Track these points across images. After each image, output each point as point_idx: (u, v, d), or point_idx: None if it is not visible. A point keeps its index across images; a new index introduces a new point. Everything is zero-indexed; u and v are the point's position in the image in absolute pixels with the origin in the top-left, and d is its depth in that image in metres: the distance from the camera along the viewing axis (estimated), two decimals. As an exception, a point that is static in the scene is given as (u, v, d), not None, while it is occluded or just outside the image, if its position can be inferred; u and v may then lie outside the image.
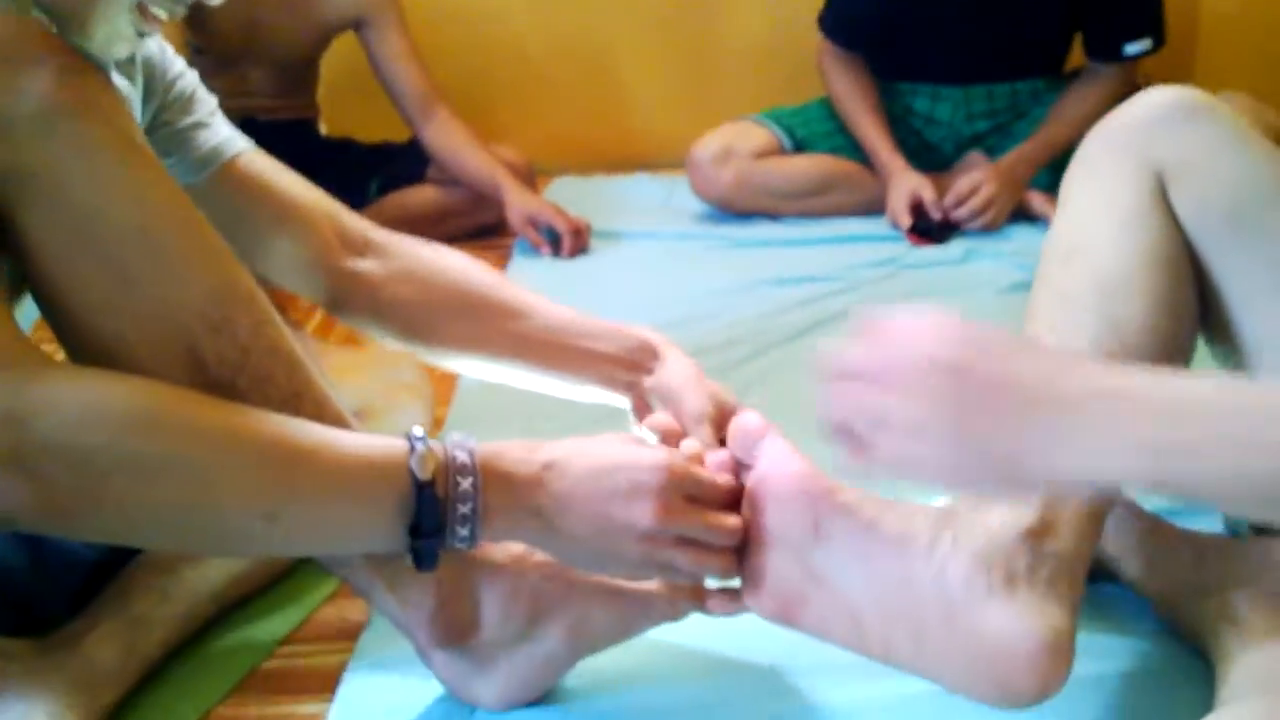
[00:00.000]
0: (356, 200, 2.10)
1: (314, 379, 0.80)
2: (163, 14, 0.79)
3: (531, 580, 0.83)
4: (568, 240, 1.96)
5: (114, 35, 0.78)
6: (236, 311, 0.76)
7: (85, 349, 0.74)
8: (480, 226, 2.11)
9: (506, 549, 0.83)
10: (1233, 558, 0.90)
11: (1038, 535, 0.74)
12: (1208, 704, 0.79)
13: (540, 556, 0.83)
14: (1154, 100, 0.86)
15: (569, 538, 0.77)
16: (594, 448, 0.80)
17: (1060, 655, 0.71)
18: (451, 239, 2.09)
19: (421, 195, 2.12)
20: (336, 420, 0.79)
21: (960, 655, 0.73)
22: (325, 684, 0.95)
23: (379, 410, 1.22)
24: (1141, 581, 0.93)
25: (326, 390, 0.81)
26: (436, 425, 1.41)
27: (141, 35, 0.80)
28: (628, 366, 1.09)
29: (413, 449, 0.74)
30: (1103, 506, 0.78)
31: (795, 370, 1.48)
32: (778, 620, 0.80)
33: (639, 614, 0.85)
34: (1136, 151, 0.84)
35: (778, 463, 0.82)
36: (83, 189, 0.71)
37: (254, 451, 0.71)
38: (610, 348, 1.09)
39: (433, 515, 0.73)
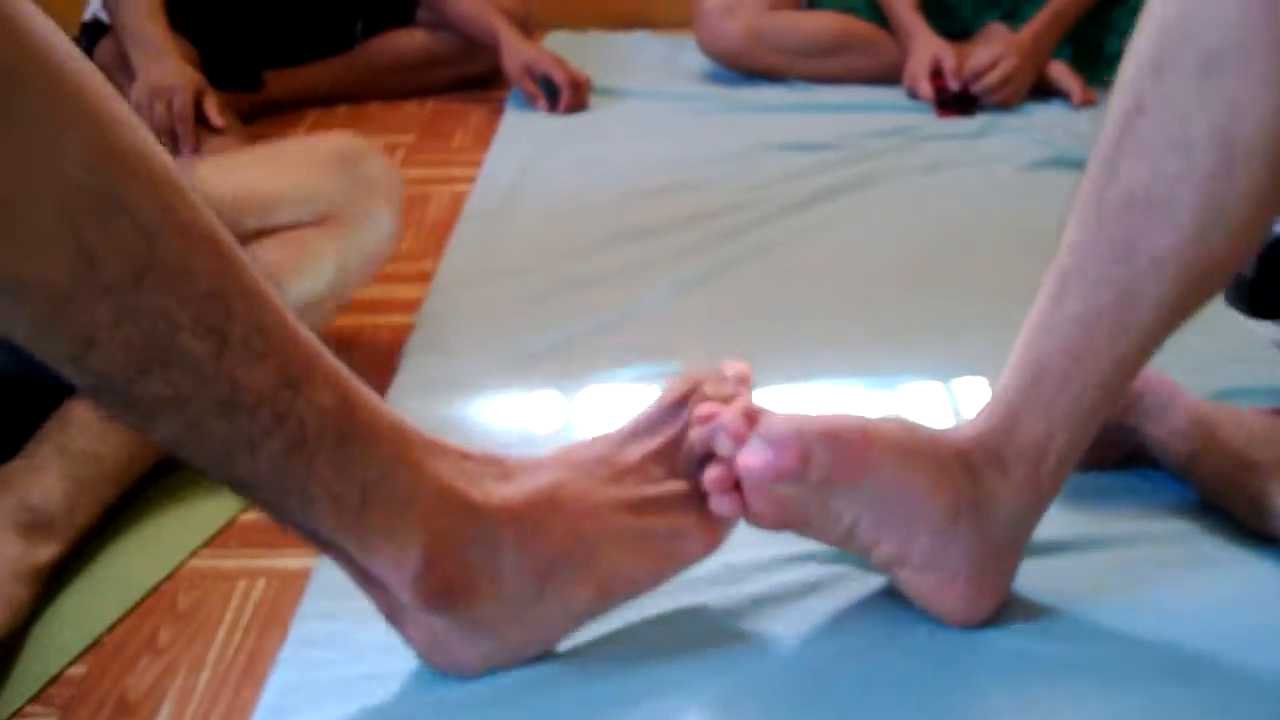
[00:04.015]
0: (341, 43, 1.99)
1: (248, 270, 0.60)
2: None
3: (552, 527, 0.69)
4: (566, 94, 1.86)
5: None
6: (131, 180, 0.54)
7: None
8: (472, 76, 2.01)
9: (517, 488, 0.70)
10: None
11: (1031, 510, 0.75)
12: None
13: (562, 495, 0.70)
14: None
15: None
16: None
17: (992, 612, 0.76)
18: (441, 88, 2.01)
19: (410, 39, 2.00)
20: (279, 326, 0.60)
21: (916, 588, 0.76)
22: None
23: (347, 218, 1.06)
24: (1188, 465, 0.88)
25: (267, 289, 0.61)
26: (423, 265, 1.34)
27: None
28: None
29: None
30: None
31: (801, 239, 1.40)
32: (772, 529, 0.74)
33: (679, 554, 0.73)
34: None
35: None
36: None
37: None
38: None
39: None
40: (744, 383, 0.76)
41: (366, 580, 0.67)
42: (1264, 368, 1.06)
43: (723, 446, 0.71)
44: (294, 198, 1.04)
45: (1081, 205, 0.72)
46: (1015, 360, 0.74)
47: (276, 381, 0.59)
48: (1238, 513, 0.86)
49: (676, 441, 0.74)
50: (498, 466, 0.71)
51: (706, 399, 0.74)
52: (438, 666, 0.71)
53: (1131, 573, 0.83)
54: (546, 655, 0.73)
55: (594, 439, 0.75)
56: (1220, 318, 1.11)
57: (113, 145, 0.54)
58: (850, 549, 0.75)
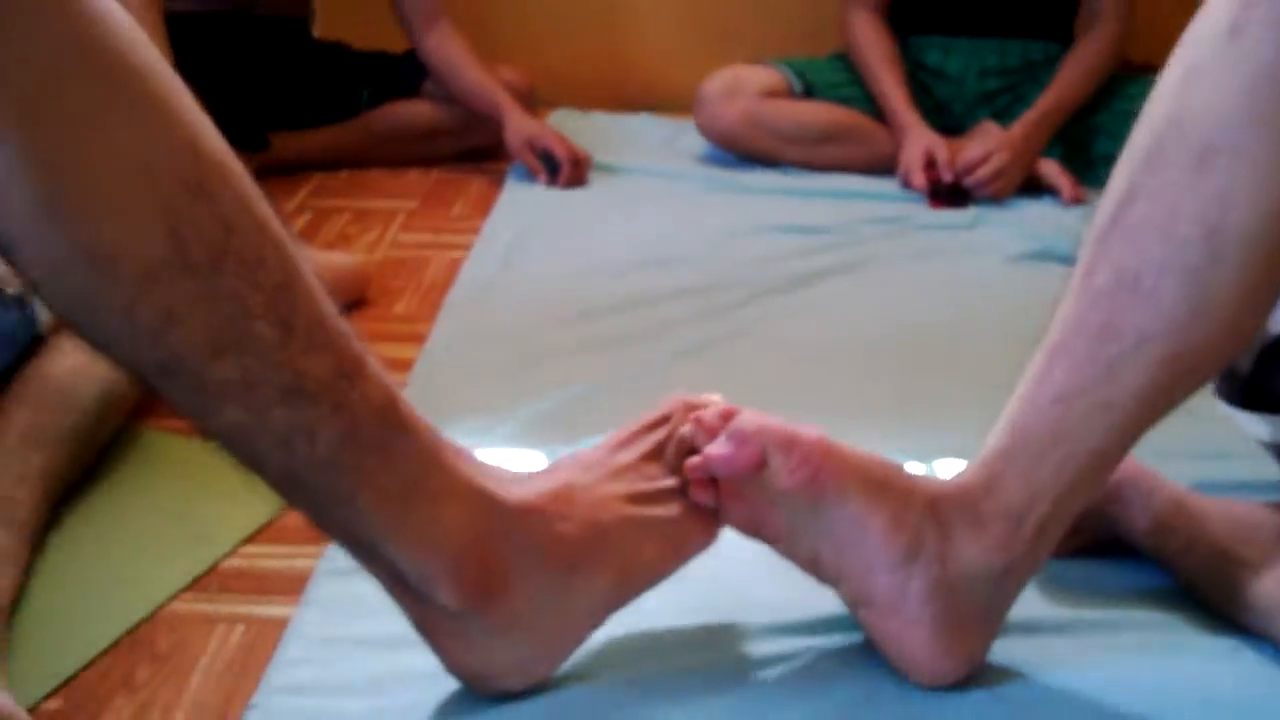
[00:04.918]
0: (348, 109, 2.03)
1: (307, 270, 0.64)
2: None
3: (570, 520, 0.73)
4: (566, 169, 1.89)
5: None
6: (216, 176, 0.60)
7: None
8: (475, 148, 2.04)
9: (533, 487, 0.74)
10: (1269, 526, 0.86)
11: (1006, 575, 0.75)
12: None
13: (574, 491, 0.74)
14: None
15: None
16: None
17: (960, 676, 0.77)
18: (444, 158, 2.05)
19: (415, 109, 2.04)
20: (334, 322, 0.65)
21: (880, 635, 0.77)
22: (292, 586, 0.90)
23: None
24: (1173, 555, 0.89)
25: (322, 290, 0.65)
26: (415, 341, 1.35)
27: None
28: None
29: None
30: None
31: (790, 319, 1.42)
32: (744, 531, 0.78)
33: (684, 542, 0.77)
34: None
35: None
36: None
37: None
38: None
39: None
40: (725, 417, 0.78)
41: (401, 588, 0.69)
42: (1247, 463, 1.07)
43: (699, 439, 0.76)
44: None
45: (1073, 284, 0.74)
46: (1000, 428, 0.76)
47: (335, 373, 0.63)
48: (1216, 604, 0.87)
49: (665, 445, 0.79)
50: (509, 473, 0.75)
51: (694, 408, 0.79)
52: (473, 681, 0.73)
53: (1111, 655, 0.83)
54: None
55: (589, 448, 0.79)
56: (1205, 410, 1.13)
57: (201, 144, 0.60)
58: (822, 579, 0.77)
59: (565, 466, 0.78)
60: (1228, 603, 0.86)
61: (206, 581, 0.92)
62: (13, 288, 1.01)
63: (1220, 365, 0.76)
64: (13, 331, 1.00)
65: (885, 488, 0.75)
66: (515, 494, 0.72)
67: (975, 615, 0.76)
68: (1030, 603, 0.86)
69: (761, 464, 0.74)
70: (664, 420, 0.80)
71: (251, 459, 0.64)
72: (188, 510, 0.99)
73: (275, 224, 0.63)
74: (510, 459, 1.09)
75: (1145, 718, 0.76)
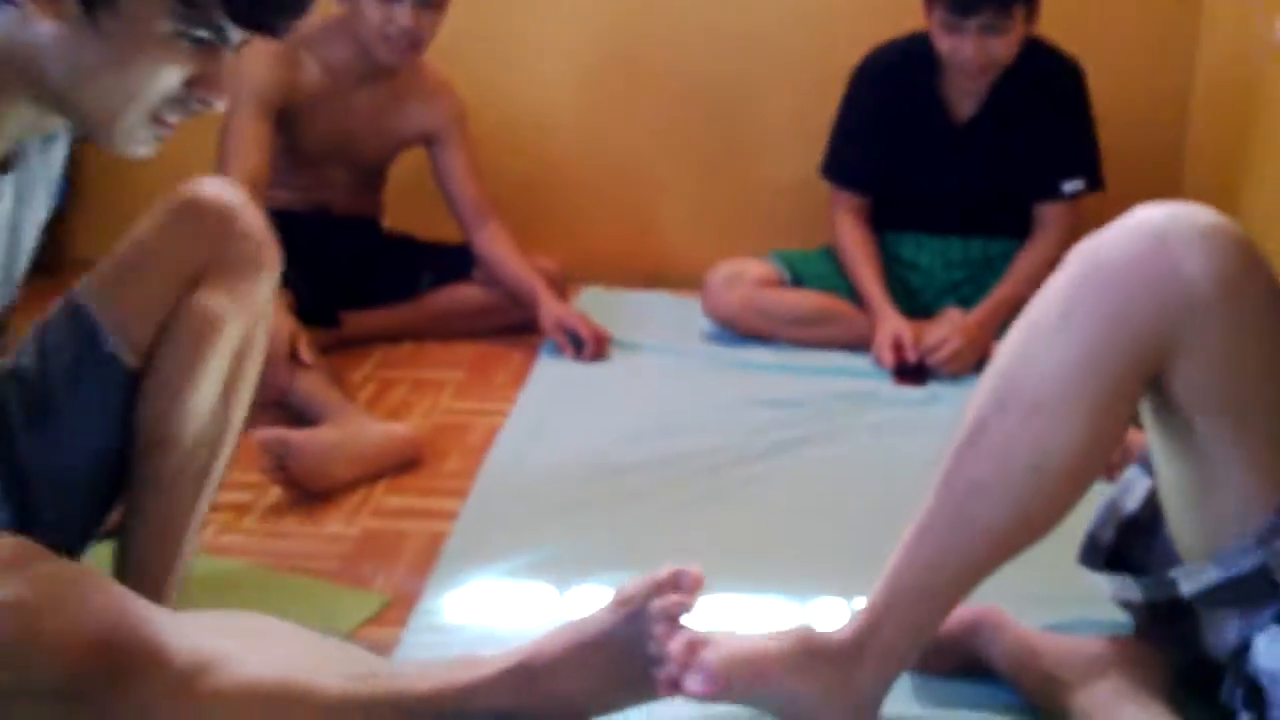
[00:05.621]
0: (409, 290, 2.40)
1: None
2: (176, 119, 1.00)
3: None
4: (590, 346, 2.24)
5: (131, 139, 1.00)
6: None
7: None
8: (515, 324, 2.39)
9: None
10: (1082, 655, 1.17)
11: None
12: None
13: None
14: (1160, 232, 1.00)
15: None
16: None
17: None
18: (488, 333, 2.41)
19: (467, 292, 2.41)
20: None
21: None
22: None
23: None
24: (1015, 678, 1.20)
25: None
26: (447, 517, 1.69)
27: (157, 138, 1.01)
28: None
29: None
30: None
31: (764, 480, 1.75)
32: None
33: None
34: (1132, 316, 0.99)
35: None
36: None
37: None
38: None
39: None
40: (698, 585, 1.07)
41: None
42: (1098, 607, 1.36)
43: (670, 669, 1.02)
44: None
45: (937, 485, 1.06)
46: (882, 585, 1.08)
47: None
48: (1049, 713, 1.17)
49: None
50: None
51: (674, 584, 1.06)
52: None
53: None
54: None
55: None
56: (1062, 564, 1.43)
57: None
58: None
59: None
60: (1058, 714, 1.16)
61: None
62: None
63: (1037, 542, 1.08)
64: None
65: (811, 661, 1.05)
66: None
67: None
68: (912, 705, 1.17)
69: (728, 689, 1.03)
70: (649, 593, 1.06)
71: None
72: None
73: None
74: (531, 591, 1.42)
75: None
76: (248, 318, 1.23)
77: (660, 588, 1.06)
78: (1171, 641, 1.16)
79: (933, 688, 1.22)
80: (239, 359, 1.23)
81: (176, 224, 1.19)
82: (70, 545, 1.17)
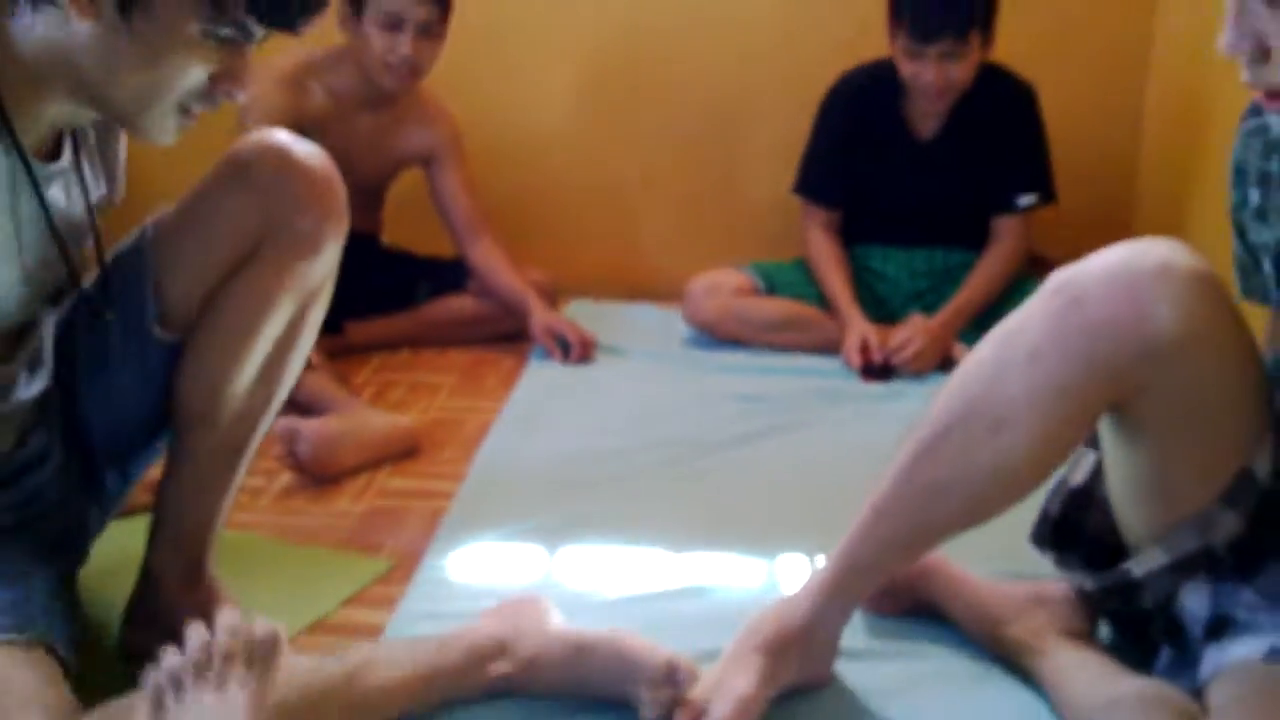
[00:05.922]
0: (407, 301, 2.55)
1: None
2: (201, 110, 1.07)
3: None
4: (576, 349, 2.39)
5: (159, 129, 1.07)
6: None
7: None
8: (508, 332, 2.53)
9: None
10: (1015, 596, 1.32)
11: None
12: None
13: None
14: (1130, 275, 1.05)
15: None
16: None
17: None
18: (481, 340, 2.55)
19: (461, 303, 2.56)
20: None
21: None
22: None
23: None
24: (964, 622, 1.35)
25: None
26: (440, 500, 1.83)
27: (182, 128, 1.07)
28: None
29: None
30: None
31: (736, 464, 1.90)
32: None
33: None
34: (1103, 361, 1.05)
35: None
36: None
37: None
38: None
39: None
40: (692, 677, 1.16)
41: None
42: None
43: None
44: None
45: (898, 472, 1.17)
46: (837, 558, 1.22)
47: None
48: (986, 647, 1.32)
49: None
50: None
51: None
52: None
53: (915, 678, 1.28)
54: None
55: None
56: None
57: None
58: None
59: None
60: (994, 645, 1.31)
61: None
62: None
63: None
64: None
65: (780, 667, 1.19)
66: None
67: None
68: (865, 639, 1.32)
69: None
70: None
71: None
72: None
73: None
74: (528, 554, 1.56)
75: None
76: (299, 297, 1.26)
77: (655, 685, 1.15)
78: (1106, 596, 1.26)
79: (885, 624, 1.36)
80: (285, 340, 1.28)
81: (239, 191, 1.22)
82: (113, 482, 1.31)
